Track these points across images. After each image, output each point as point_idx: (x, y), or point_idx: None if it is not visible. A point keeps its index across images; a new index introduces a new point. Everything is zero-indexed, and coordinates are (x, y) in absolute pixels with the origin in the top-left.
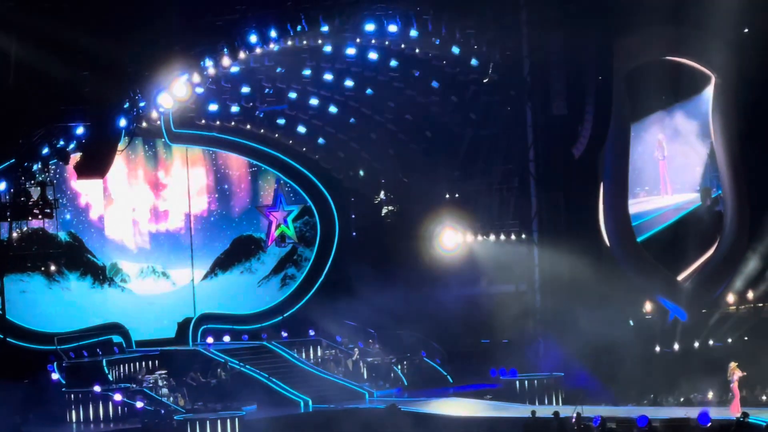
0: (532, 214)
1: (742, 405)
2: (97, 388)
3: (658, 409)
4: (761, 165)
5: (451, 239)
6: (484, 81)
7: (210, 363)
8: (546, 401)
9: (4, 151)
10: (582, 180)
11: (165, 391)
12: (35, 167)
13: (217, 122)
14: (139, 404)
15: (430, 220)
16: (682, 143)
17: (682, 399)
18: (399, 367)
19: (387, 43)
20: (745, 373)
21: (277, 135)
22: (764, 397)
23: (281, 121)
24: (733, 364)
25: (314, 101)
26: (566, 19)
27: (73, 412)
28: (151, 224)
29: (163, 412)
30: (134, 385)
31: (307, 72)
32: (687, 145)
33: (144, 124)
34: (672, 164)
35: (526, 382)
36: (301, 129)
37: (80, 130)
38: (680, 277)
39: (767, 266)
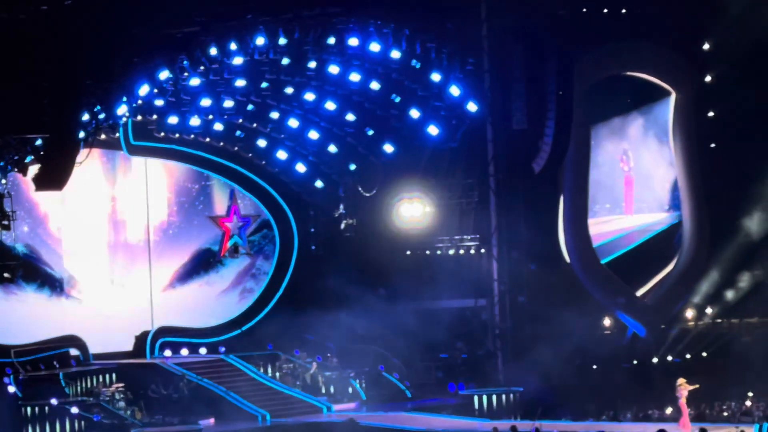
0: (491, 228)
1: (692, 420)
2: (53, 401)
3: (617, 425)
4: (721, 180)
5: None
6: (444, 94)
7: (170, 376)
8: (504, 416)
9: None
10: (542, 195)
11: (122, 404)
12: None
13: (177, 135)
14: (96, 417)
15: (389, 234)
16: (649, 155)
17: (641, 415)
18: (357, 381)
19: (347, 56)
20: (697, 386)
21: (236, 148)
22: (726, 413)
23: (240, 134)
24: (681, 380)
25: (274, 114)
26: (527, 33)
27: (30, 426)
28: (110, 236)
29: (120, 425)
30: (91, 399)
31: (266, 85)
32: (654, 157)
33: (103, 136)
34: (637, 178)
35: (484, 396)
36: (261, 142)
37: (38, 142)
38: (640, 293)
39: (726, 283)
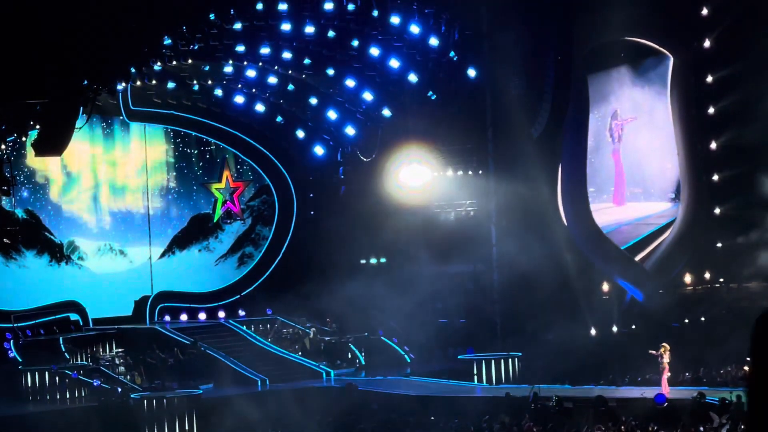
0: (490, 193)
1: (690, 385)
2: (53, 367)
3: (615, 390)
4: (719, 146)
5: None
6: (443, 60)
7: (169, 341)
8: (503, 381)
9: None
10: (540, 160)
11: (122, 369)
12: None
13: (175, 100)
14: (96, 382)
15: (388, 199)
16: (644, 124)
17: (639, 379)
18: (356, 346)
19: (346, 22)
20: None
21: (235, 113)
22: (724, 378)
23: (240, 100)
24: (665, 345)
25: (273, 80)
26: None
27: (30, 391)
28: (109, 202)
29: (119, 390)
30: (91, 363)
31: (265, 50)
32: (651, 128)
33: (102, 102)
34: (629, 155)
35: (483, 361)
36: (260, 107)
37: (38, 108)
38: (638, 258)
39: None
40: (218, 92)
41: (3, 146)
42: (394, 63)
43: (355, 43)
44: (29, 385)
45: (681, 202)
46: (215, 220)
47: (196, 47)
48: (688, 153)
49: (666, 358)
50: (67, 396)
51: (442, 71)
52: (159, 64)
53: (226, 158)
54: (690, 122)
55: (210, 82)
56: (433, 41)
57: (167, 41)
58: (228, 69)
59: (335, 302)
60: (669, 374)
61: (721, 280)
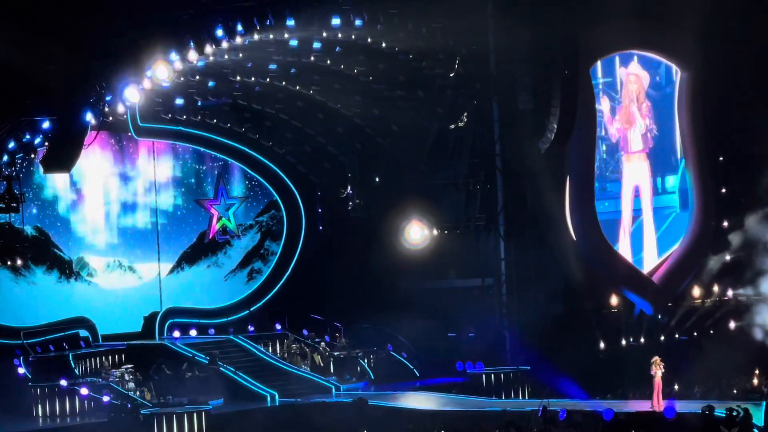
0: (498, 208)
1: (700, 398)
2: (63, 383)
3: (625, 403)
4: (727, 160)
5: (418, 233)
6: (450, 75)
7: (178, 357)
8: (512, 395)
9: None
10: (548, 174)
11: (131, 385)
12: (1, 161)
13: (184, 116)
14: (106, 398)
15: (396, 215)
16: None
17: (648, 392)
18: (366, 360)
19: (353, 37)
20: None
21: (243, 129)
22: (735, 390)
23: (248, 115)
24: (656, 358)
25: (281, 95)
26: (532, 12)
27: (40, 407)
28: (118, 218)
29: (129, 406)
30: (101, 380)
31: (273, 66)
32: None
33: (110, 118)
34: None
35: (492, 375)
36: (268, 123)
37: (46, 125)
38: (646, 271)
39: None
40: (226, 108)
41: (12, 163)
42: (402, 77)
43: (362, 57)
44: (39, 401)
45: (690, 215)
46: (209, 237)
47: (203, 61)
48: (697, 165)
49: (658, 372)
50: (77, 412)
51: (449, 85)
52: (167, 79)
53: (221, 174)
54: (700, 137)
55: (217, 97)
56: (440, 55)
57: (174, 55)
58: (235, 84)
59: (345, 317)
60: (661, 386)
61: (730, 293)
